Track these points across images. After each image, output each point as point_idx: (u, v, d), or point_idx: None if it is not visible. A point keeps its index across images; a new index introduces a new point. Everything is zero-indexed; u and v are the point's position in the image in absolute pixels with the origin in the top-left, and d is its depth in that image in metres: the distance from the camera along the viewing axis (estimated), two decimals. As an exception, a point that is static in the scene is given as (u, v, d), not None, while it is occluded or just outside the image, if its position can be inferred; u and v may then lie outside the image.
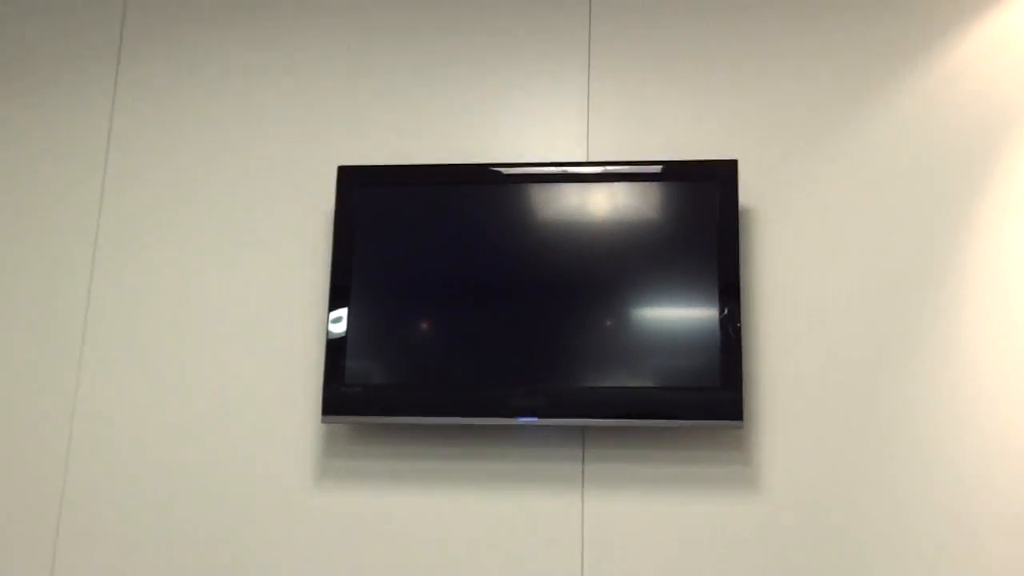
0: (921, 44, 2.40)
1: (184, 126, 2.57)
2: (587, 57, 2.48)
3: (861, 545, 2.17)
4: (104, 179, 2.56)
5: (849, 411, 2.23)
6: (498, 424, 2.24)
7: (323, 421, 2.24)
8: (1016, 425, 2.18)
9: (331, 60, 2.55)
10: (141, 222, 2.52)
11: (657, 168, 2.29)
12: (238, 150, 2.53)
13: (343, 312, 2.29)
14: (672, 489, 2.23)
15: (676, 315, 2.21)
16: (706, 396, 2.16)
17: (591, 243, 2.27)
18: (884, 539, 2.16)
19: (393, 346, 2.26)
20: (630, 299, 2.23)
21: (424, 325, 2.26)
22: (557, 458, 2.27)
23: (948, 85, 2.37)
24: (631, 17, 2.49)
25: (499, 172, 2.34)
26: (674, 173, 2.29)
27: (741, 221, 2.34)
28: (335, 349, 2.27)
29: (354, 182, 2.36)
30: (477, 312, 2.26)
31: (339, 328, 2.28)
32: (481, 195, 2.32)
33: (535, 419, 2.19)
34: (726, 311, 2.20)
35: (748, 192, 2.37)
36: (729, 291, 2.21)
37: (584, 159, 2.42)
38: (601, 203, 2.29)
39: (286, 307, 2.42)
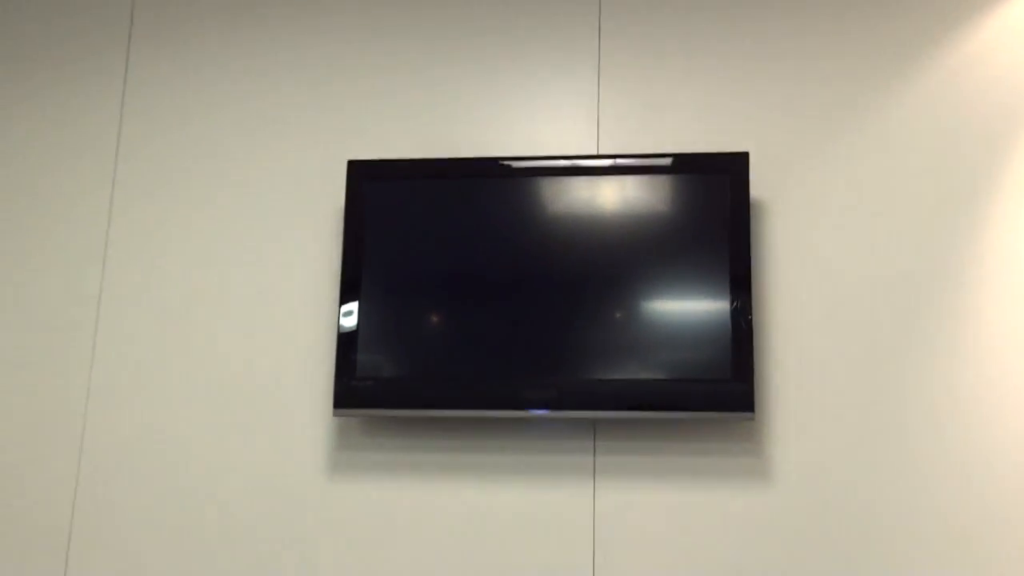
0: (934, 37, 2.39)
1: (194, 122, 2.57)
2: (597, 50, 2.48)
3: (872, 536, 2.16)
4: (115, 175, 2.56)
5: (860, 403, 2.23)
6: (510, 417, 2.24)
7: (335, 414, 2.25)
8: (1029, 416, 2.18)
9: (341, 55, 2.56)
10: (152, 218, 2.52)
11: (668, 161, 2.29)
12: (249, 145, 2.54)
13: (354, 306, 2.29)
14: (684, 481, 2.23)
15: (687, 307, 2.21)
16: (717, 388, 2.16)
17: (602, 236, 2.26)
18: (895, 530, 2.16)
19: (404, 339, 2.26)
20: (641, 291, 2.23)
21: (435, 318, 2.27)
22: (569, 450, 2.27)
23: (960, 78, 2.36)
24: (641, 10, 2.49)
25: (509, 166, 2.34)
26: (685, 166, 2.28)
27: (752, 214, 2.34)
28: (346, 343, 2.27)
29: (364, 176, 2.36)
30: (488, 305, 2.26)
31: (350, 322, 2.29)
32: (491, 189, 2.32)
33: (547, 411, 2.20)
34: (737, 303, 2.20)
35: (759, 185, 2.36)
36: (740, 283, 2.21)
37: (594, 152, 2.42)
38: (612, 196, 2.29)
39: (297, 301, 2.42)
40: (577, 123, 2.44)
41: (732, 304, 2.20)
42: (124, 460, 2.39)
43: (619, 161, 2.31)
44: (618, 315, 2.22)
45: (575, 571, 2.22)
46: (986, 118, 2.33)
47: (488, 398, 2.22)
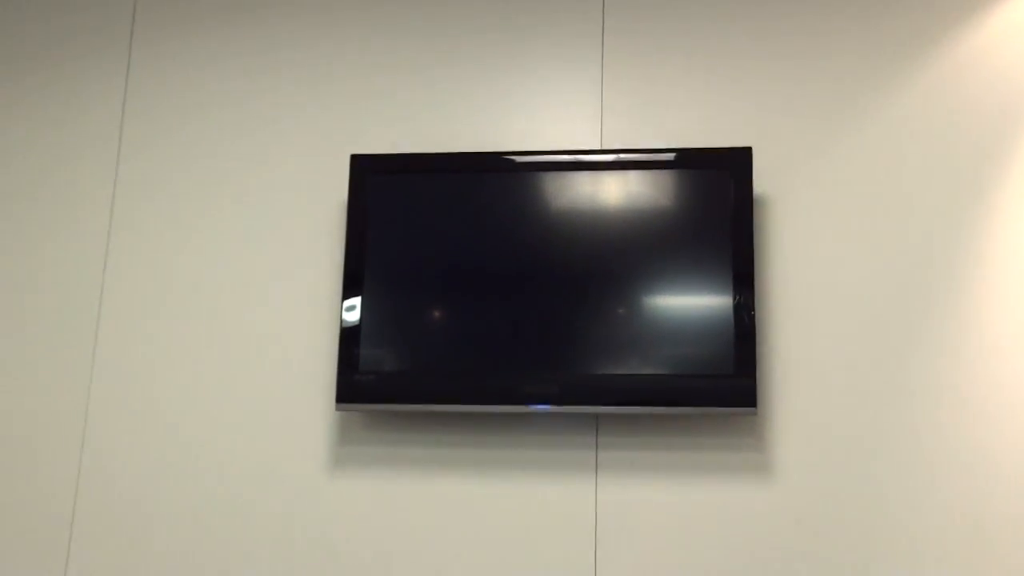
0: (937, 30, 2.39)
1: (197, 118, 2.57)
2: (601, 45, 2.48)
3: (874, 531, 2.17)
4: (117, 170, 2.56)
5: (862, 398, 2.23)
6: (512, 412, 2.24)
7: (337, 409, 2.25)
8: (1031, 412, 2.17)
9: (344, 50, 2.56)
10: (154, 214, 2.52)
11: (671, 156, 2.29)
12: (251, 141, 2.54)
13: (357, 300, 2.29)
14: (686, 476, 2.23)
15: (690, 303, 2.21)
16: (720, 383, 2.16)
17: (605, 231, 2.26)
18: (897, 525, 2.16)
19: (407, 334, 2.26)
20: (644, 287, 2.23)
21: (437, 313, 2.27)
22: (571, 445, 2.28)
23: (964, 73, 2.36)
24: (644, 5, 2.49)
25: (512, 160, 2.33)
26: (688, 161, 2.28)
27: (755, 209, 2.33)
28: (349, 337, 2.28)
29: (367, 170, 2.36)
30: (490, 300, 2.26)
31: (353, 316, 2.29)
32: (494, 183, 2.32)
33: (549, 407, 2.20)
34: (740, 299, 2.20)
35: (762, 180, 2.36)
36: (743, 279, 2.20)
37: (598, 147, 2.42)
38: (615, 191, 2.29)
39: (300, 295, 2.42)
40: (580, 118, 2.44)
41: (735, 299, 2.20)
42: (126, 454, 2.40)
43: (622, 156, 2.30)
44: (621, 310, 2.22)
45: (577, 566, 2.22)
46: (989, 114, 2.33)
47: (490, 393, 2.22)
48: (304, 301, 2.42)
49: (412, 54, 2.53)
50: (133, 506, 2.37)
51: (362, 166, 2.37)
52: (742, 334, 2.18)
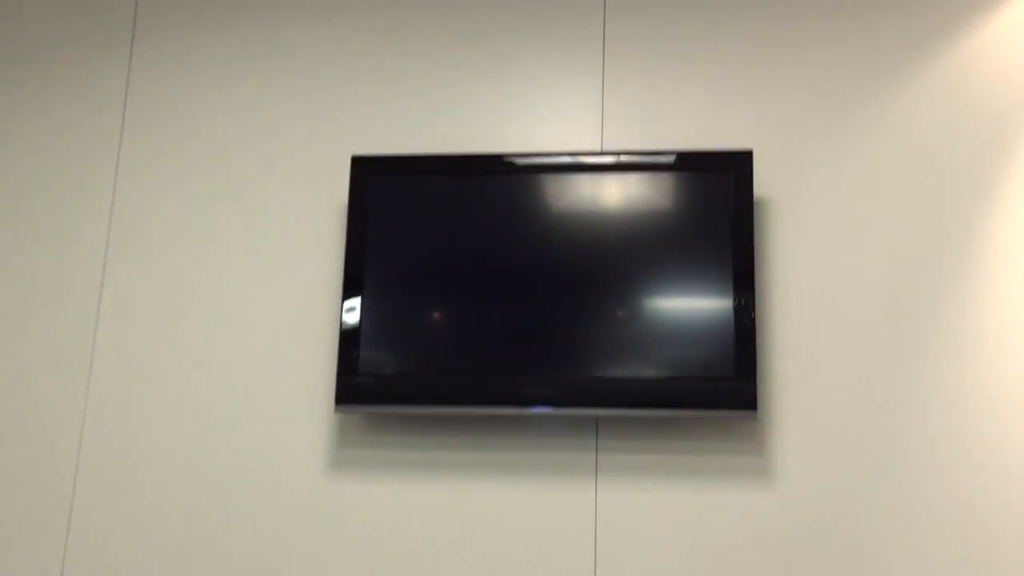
0: (937, 30, 2.39)
1: (197, 116, 2.57)
2: (601, 47, 2.48)
3: (875, 536, 2.16)
4: (116, 169, 2.56)
5: (863, 401, 2.22)
6: (512, 414, 2.24)
7: (336, 410, 2.24)
8: (1032, 416, 2.17)
9: (344, 52, 2.56)
10: (154, 212, 2.52)
11: (672, 158, 2.29)
12: (251, 140, 2.54)
13: (356, 302, 2.29)
14: (686, 479, 2.23)
15: (690, 305, 2.21)
16: (720, 386, 2.16)
17: (605, 233, 2.26)
18: (898, 530, 2.16)
19: (406, 336, 2.26)
20: (644, 289, 2.22)
21: (437, 315, 2.26)
22: (571, 448, 2.27)
23: (965, 71, 2.36)
24: (645, 7, 2.49)
25: (513, 162, 2.33)
26: (689, 163, 2.28)
27: (756, 211, 2.33)
28: (348, 339, 2.27)
29: (368, 172, 2.36)
30: (490, 302, 2.25)
31: (352, 318, 2.28)
32: (495, 185, 2.32)
33: (549, 409, 2.19)
34: (740, 301, 2.19)
35: (763, 182, 2.36)
36: (744, 281, 2.20)
37: (598, 149, 2.42)
38: (615, 193, 2.28)
39: (300, 297, 2.42)
40: (581, 120, 2.44)
41: (735, 302, 2.20)
42: (124, 455, 2.39)
43: (623, 158, 2.30)
44: (621, 312, 2.22)
45: (577, 569, 2.21)
46: (989, 116, 2.33)
47: (490, 395, 2.21)
48: (304, 302, 2.42)
49: (413, 56, 2.53)
50: (131, 508, 2.36)
51: (363, 168, 2.37)
52: (742, 337, 2.18)
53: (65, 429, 2.42)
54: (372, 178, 2.36)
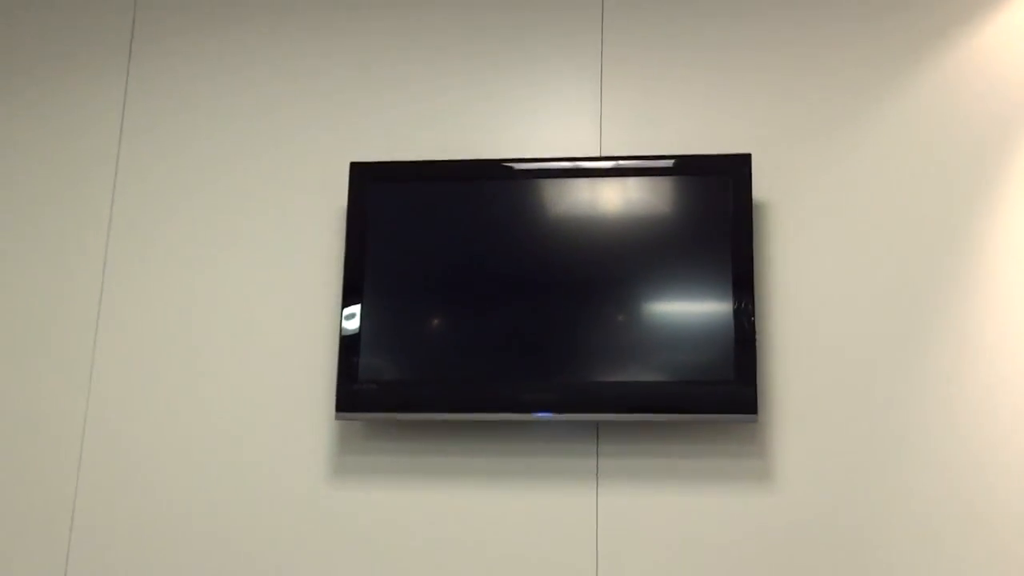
0: (935, 34, 2.39)
1: (196, 123, 2.57)
2: (600, 52, 2.48)
3: (875, 539, 2.16)
4: (116, 177, 2.56)
5: (864, 404, 2.22)
6: (512, 420, 2.24)
7: (337, 418, 2.24)
8: (1032, 418, 2.17)
9: (342, 58, 2.56)
10: (153, 220, 2.52)
11: (670, 163, 2.29)
12: (250, 147, 2.54)
13: (356, 309, 2.29)
14: (687, 483, 2.23)
15: (690, 309, 2.21)
16: (720, 390, 2.16)
17: (605, 238, 2.26)
18: (898, 533, 2.16)
19: (406, 342, 2.26)
20: (644, 294, 2.22)
21: (437, 321, 2.26)
22: (572, 453, 2.27)
23: (963, 75, 2.36)
24: (643, 12, 2.49)
25: (511, 167, 2.33)
26: (687, 167, 2.28)
27: (755, 215, 2.33)
28: (348, 346, 2.27)
29: (367, 178, 2.36)
30: (490, 308, 2.25)
31: (352, 325, 2.28)
32: (494, 190, 2.32)
33: (550, 414, 2.19)
34: (740, 305, 2.19)
35: (761, 186, 2.36)
36: (743, 285, 2.20)
37: (597, 154, 2.42)
38: (614, 198, 2.28)
39: (299, 304, 2.42)
40: (580, 125, 2.44)
41: (735, 306, 2.20)
42: (125, 464, 2.39)
43: (622, 163, 2.30)
44: (621, 317, 2.22)
45: (579, 573, 2.21)
46: (988, 118, 2.33)
47: (491, 401, 2.21)
48: (303, 310, 2.42)
49: (412, 63, 2.53)
50: (132, 517, 2.36)
51: (362, 174, 2.37)
52: (742, 341, 2.18)
53: (66, 438, 2.42)
54: (371, 184, 2.36)
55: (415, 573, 2.25)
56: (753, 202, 2.30)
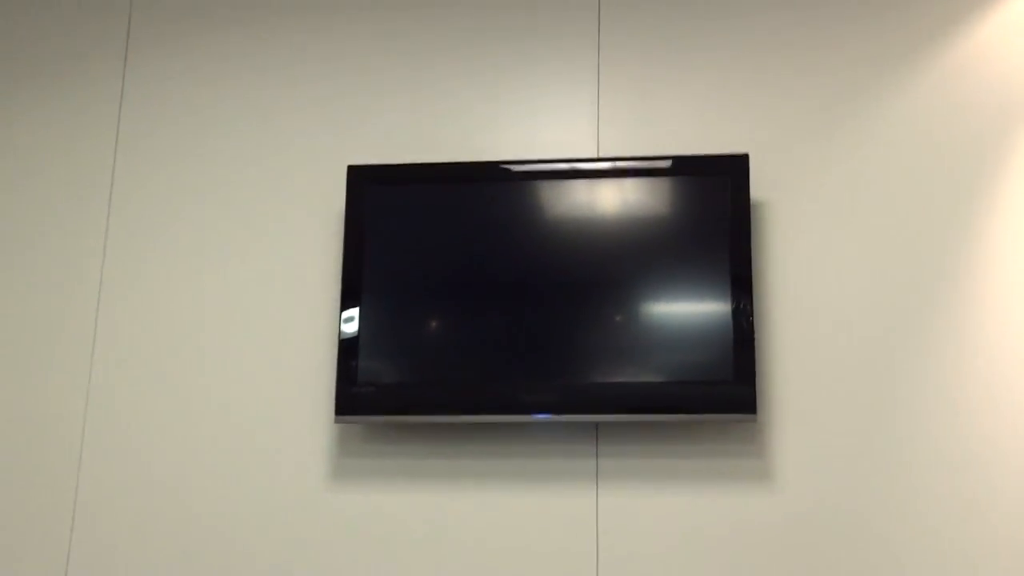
0: (933, 33, 2.39)
1: (192, 127, 2.57)
2: (596, 53, 2.48)
3: (874, 537, 2.16)
4: (112, 181, 2.56)
5: (863, 404, 2.22)
6: (512, 421, 2.23)
7: (336, 421, 2.24)
8: (1032, 416, 2.17)
9: (340, 61, 2.56)
10: (150, 224, 2.52)
11: (668, 163, 2.29)
12: (247, 151, 2.54)
13: (355, 312, 2.29)
14: (686, 483, 2.23)
15: (689, 310, 2.21)
16: (719, 390, 2.16)
17: (603, 239, 2.26)
18: (898, 532, 2.16)
19: (405, 345, 2.26)
20: (643, 294, 2.22)
21: (436, 323, 2.26)
22: (571, 454, 2.27)
23: (961, 74, 2.36)
24: (640, 12, 2.49)
25: (509, 169, 2.33)
26: (685, 168, 2.28)
27: (752, 215, 2.33)
28: (347, 349, 2.27)
29: (364, 181, 2.36)
30: (489, 309, 2.25)
31: (351, 328, 2.28)
32: (491, 192, 2.32)
33: (549, 416, 2.19)
34: (738, 305, 2.20)
35: (759, 186, 2.36)
36: (741, 285, 2.20)
37: (594, 155, 2.42)
38: (612, 199, 2.28)
39: (298, 307, 2.42)
40: (577, 126, 2.44)
41: (733, 306, 2.20)
42: (124, 469, 2.39)
43: (619, 164, 2.30)
44: (619, 318, 2.22)
45: (579, 574, 2.21)
46: (985, 117, 2.33)
47: (490, 403, 2.21)
48: (302, 313, 2.42)
49: (407, 65, 2.53)
50: (132, 521, 2.36)
51: (359, 177, 2.37)
52: (741, 340, 2.18)
53: (64, 443, 2.42)
54: (368, 187, 2.36)
55: (415, 575, 2.25)
56: (751, 202, 2.30)
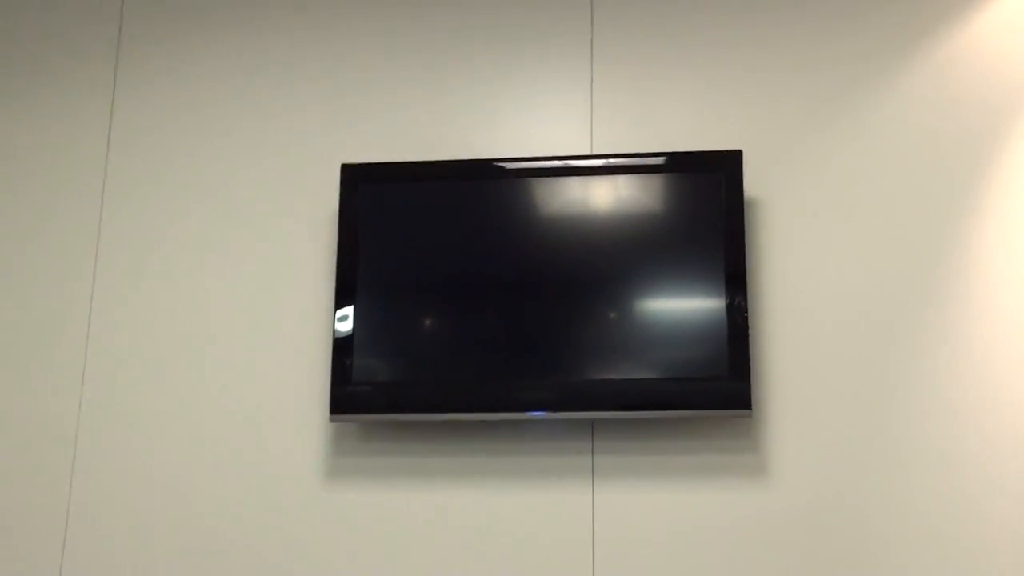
0: (924, 28, 2.39)
1: (185, 127, 2.56)
2: (590, 50, 2.48)
3: (869, 532, 2.17)
4: (105, 180, 2.55)
5: (857, 398, 2.23)
6: (507, 419, 2.23)
7: (331, 420, 2.24)
8: (1026, 409, 2.18)
9: (333, 59, 2.55)
10: (143, 224, 2.51)
11: (661, 160, 2.29)
12: (240, 150, 2.53)
13: (349, 310, 2.29)
14: (682, 479, 2.23)
15: (683, 306, 2.21)
16: (714, 386, 2.16)
17: (597, 236, 2.26)
18: (892, 527, 2.16)
19: (400, 343, 2.26)
20: (637, 291, 2.23)
21: (430, 321, 2.26)
22: (567, 451, 2.27)
23: (953, 69, 2.36)
24: (633, 9, 2.49)
25: (502, 167, 2.33)
26: (679, 164, 2.28)
27: (746, 211, 2.34)
28: (342, 348, 2.27)
29: (358, 180, 2.36)
30: (483, 307, 2.25)
31: (345, 326, 2.28)
32: (485, 190, 2.32)
33: (544, 413, 2.19)
34: (733, 301, 2.20)
35: (753, 182, 2.36)
36: (736, 281, 2.21)
37: (588, 152, 2.42)
38: (606, 196, 2.29)
39: (292, 307, 2.42)
40: (570, 123, 2.44)
41: (728, 302, 2.20)
42: (117, 470, 2.38)
43: (613, 161, 2.31)
44: (614, 315, 2.22)
45: (576, 571, 2.21)
46: (977, 112, 2.33)
47: (485, 401, 2.21)
48: (296, 312, 2.41)
49: (401, 64, 2.53)
50: (125, 520, 2.35)
51: (352, 176, 2.37)
52: (736, 336, 2.18)
53: (59, 442, 2.41)
54: (362, 186, 2.35)
55: (412, 574, 2.25)
56: (745, 198, 2.31)
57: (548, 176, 2.31)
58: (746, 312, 2.19)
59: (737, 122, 2.40)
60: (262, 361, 2.40)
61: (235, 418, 2.38)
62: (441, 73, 2.51)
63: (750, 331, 2.27)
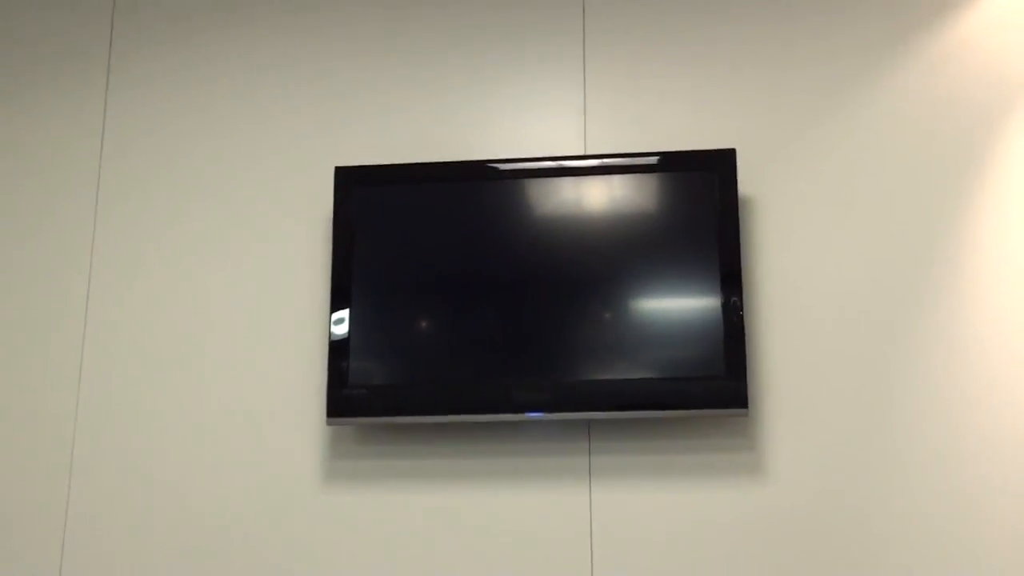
0: (919, 26, 2.39)
1: (178, 130, 2.56)
2: (582, 50, 2.48)
3: (866, 530, 2.17)
4: (99, 184, 2.55)
5: (853, 397, 2.23)
6: (504, 420, 2.24)
7: (328, 423, 2.24)
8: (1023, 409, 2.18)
9: (327, 61, 2.55)
10: (137, 227, 2.51)
11: (655, 159, 2.29)
12: (234, 153, 2.53)
13: (345, 313, 2.29)
14: (679, 478, 2.23)
15: (679, 305, 2.21)
16: (711, 385, 2.16)
17: (592, 236, 2.26)
18: (889, 524, 2.16)
19: (396, 346, 2.26)
20: (633, 291, 2.22)
21: (426, 324, 2.26)
22: (563, 452, 2.27)
23: (946, 67, 2.36)
24: (625, 9, 2.49)
25: (496, 168, 2.33)
26: (673, 164, 2.28)
27: (741, 210, 2.34)
28: (338, 351, 2.27)
29: (352, 182, 2.36)
30: (479, 309, 2.25)
31: (341, 330, 2.28)
32: (479, 192, 2.32)
33: (541, 414, 2.19)
34: (728, 300, 2.20)
35: (747, 181, 2.36)
36: (731, 280, 2.21)
37: (582, 152, 2.42)
38: (600, 196, 2.28)
39: (287, 310, 2.42)
40: (564, 123, 2.44)
41: (723, 301, 2.20)
42: (115, 472, 2.38)
43: (607, 161, 2.30)
44: (610, 315, 2.22)
45: (574, 572, 2.22)
46: (970, 110, 2.33)
47: (482, 402, 2.21)
48: (291, 315, 2.41)
49: (393, 65, 2.53)
50: (124, 525, 2.35)
51: (346, 178, 2.36)
52: (731, 335, 2.18)
53: (55, 444, 2.41)
54: (356, 188, 2.35)
55: (410, 575, 2.26)
56: (739, 197, 2.31)
57: (542, 177, 2.31)
58: (742, 311, 2.19)
59: (731, 121, 2.40)
60: (258, 365, 2.40)
61: (232, 422, 2.38)
62: (434, 75, 2.51)
63: (746, 330, 2.27)
